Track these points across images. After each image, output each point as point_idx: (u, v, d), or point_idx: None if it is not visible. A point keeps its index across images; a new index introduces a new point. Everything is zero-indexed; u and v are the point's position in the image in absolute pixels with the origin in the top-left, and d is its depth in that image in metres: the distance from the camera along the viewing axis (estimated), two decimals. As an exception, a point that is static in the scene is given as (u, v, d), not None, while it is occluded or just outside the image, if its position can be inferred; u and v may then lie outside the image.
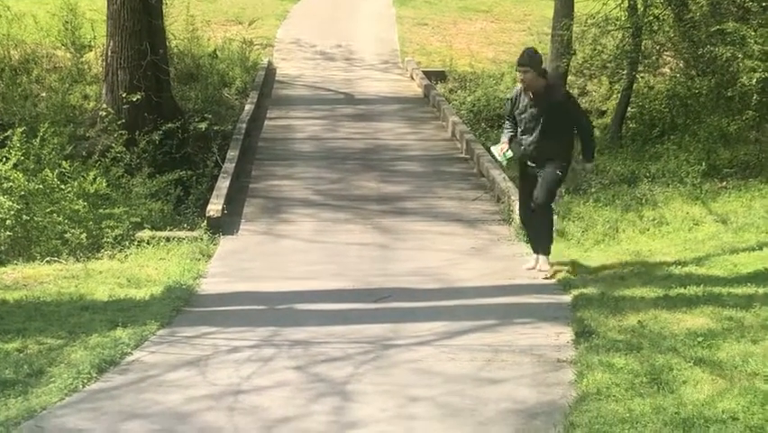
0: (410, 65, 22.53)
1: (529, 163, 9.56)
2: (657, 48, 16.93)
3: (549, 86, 9.58)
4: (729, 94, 14.88)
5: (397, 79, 22.04)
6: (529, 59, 9.37)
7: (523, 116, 9.47)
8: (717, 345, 7.07)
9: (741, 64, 13.84)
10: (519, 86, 9.62)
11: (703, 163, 13.92)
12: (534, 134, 9.36)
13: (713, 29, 14.62)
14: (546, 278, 9.46)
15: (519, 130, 9.56)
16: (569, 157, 9.60)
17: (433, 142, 16.64)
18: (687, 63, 17.17)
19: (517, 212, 10.40)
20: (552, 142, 9.32)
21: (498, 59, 21.69)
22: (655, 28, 16.44)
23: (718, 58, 14.55)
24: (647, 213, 11.93)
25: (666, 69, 18.03)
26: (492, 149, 9.90)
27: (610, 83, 17.63)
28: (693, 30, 15.80)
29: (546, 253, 9.70)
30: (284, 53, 24.09)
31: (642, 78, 17.26)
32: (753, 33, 13.82)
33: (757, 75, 13.49)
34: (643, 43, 16.41)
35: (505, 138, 9.65)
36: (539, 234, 9.78)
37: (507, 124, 9.86)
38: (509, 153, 9.54)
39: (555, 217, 10.41)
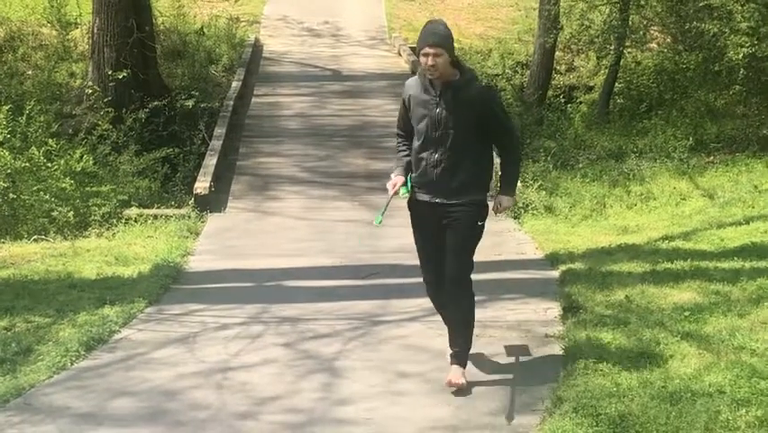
0: (397, 41, 22.44)
1: (428, 199, 6.27)
2: (644, 23, 16.94)
3: (465, 77, 6.20)
4: (716, 69, 14.94)
5: (384, 56, 22.00)
6: (442, 37, 6.08)
7: (423, 123, 6.18)
8: (703, 320, 7.11)
9: (728, 39, 13.85)
10: (415, 78, 6.39)
11: (690, 138, 13.98)
12: (440, 150, 6.13)
13: (700, 4, 14.65)
14: (457, 386, 6.26)
15: (417, 143, 6.27)
16: (487, 188, 6.37)
17: (420, 118, 16.61)
18: (674, 38, 17.20)
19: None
20: (466, 163, 6.16)
21: (486, 34, 21.65)
22: (642, 3, 16.47)
23: (706, 33, 14.58)
24: (634, 188, 11.96)
25: (654, 45, 18.04)
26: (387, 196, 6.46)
27: (598, 58, 17.69)
28: (680, 5, 15.82)
29: (463, 360, 6.36)
30: (271, 30, 23.97)
31: (629, 53, 17.30)
32: (740, 8, 13.85)
33: (744, 50, 13.53)
34: (630, 18, 16.42)
35: (399, 169, 6.42)
36: (453, 324, 6.47)
37: (401, 142, 6.54)
38: (404, 191, 6.37)
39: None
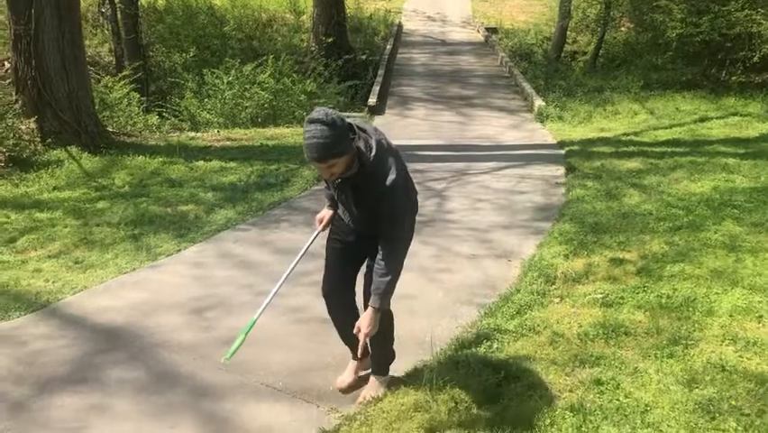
0: (477, 24, 21.82)
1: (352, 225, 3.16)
2: (619, 15, 16.14)
3: (365, 172, 2.80)
4: (659, 42, 14.29)
5: (470, 32, 21.39)
6: (326, 147, 2.64)
7: (331, 190, 3.24)
8: (643, 177, 7.08)
9: (668, 24, 13.27)
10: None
11: (641, 81, 13.48)
12: (349, 216, 3.13)
13: (653, 4, 13.94)
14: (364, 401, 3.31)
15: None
16: None
17: (490, 67, 16.28)
18: (636, 24, 16.39)
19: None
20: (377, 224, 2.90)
21: (528, 21, 20.81)
22: (619, 3, 15.73)
23: (654, 20, 13.92)
24: (608, 107, 11.66)
25: (623, 28, 17.21)
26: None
27: (591, 35, 16.97)
28: (641, 4, 15.08)
29: (382, 370, 3.38)
30: (407, 17, 23.34)
31: (609, 32, 16.52)
32: (676, 7, 13.19)
33: (677, 31, 12.95)
34: (611, 12, 15.69)
35: (328, 203, 3.34)
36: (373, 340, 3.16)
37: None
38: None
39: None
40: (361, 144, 2.80)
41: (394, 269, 2.90)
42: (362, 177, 2.81)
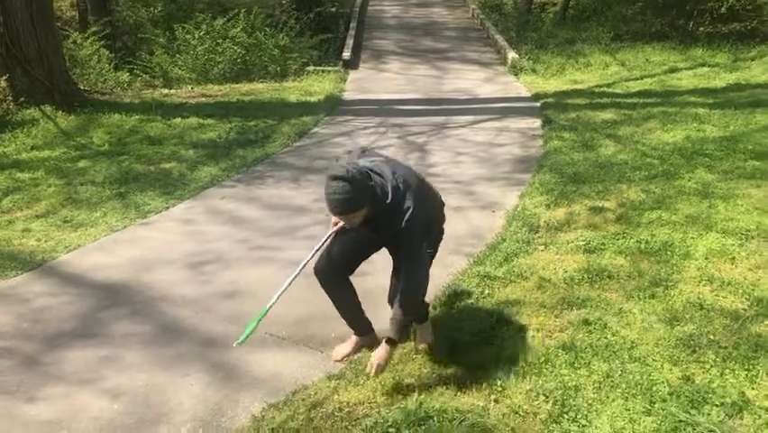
0: (447, -25, 21.69)
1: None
2: (589, -35, 16.23)
3: (387, 211, 2.78)
4: (629, -8, 14.44)
5: (439, -17, 21.34)
6: (345, 202, 2.67)
7: None
8: (617, 128, 7.24)
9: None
10: None
11: (611, 32, 13.60)
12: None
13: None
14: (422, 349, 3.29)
15: None
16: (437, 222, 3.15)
17: (461, 19, 16.27)
18: (605, -26, 16.47)
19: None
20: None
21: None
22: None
23: (625, -29, 14.02)
24: (580, 59, 11.78)
25: (593, -21, 17.26)
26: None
27: (562, -14, 17.00)
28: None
29: (423, 318, 3.30)
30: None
31: (579, -17, 16.60)
32: (646, -43, 13.29)
33: (646, -19, 13.11)
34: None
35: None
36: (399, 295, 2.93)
37: None
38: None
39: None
40: (378, 191, 2.80)
41: (410, 302, 2.91)
42: (380, 219, 2.82)
